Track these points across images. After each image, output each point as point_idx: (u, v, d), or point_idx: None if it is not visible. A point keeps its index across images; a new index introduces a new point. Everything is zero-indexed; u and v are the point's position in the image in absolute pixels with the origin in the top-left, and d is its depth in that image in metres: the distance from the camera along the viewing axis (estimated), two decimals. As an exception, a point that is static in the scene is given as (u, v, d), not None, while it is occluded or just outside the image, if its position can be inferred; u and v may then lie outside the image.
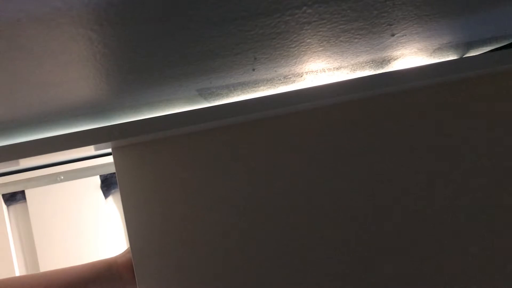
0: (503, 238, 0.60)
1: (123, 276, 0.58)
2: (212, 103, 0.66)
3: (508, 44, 0.69)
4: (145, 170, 0.53)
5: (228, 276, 0.54)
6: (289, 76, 0.58)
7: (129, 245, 0.63)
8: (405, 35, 0.49)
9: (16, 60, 0.32)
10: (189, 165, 0.54)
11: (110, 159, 1.23)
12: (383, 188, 0.58)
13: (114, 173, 0.93)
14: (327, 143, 0.57)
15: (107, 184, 1.28)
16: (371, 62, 0.61)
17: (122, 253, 0.61)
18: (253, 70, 0.50)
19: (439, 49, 0.62)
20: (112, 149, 0.53)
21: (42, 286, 0.56)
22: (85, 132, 0.47)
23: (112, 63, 0.37)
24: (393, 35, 0.48)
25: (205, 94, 0.58)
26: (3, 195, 1.22)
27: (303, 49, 0.46)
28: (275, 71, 0.53)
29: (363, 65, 0.62)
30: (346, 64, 0.59)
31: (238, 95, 0.63)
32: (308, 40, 0.43)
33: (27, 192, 1.22)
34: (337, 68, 0.60)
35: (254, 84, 0.58)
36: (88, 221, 1.24)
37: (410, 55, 0.61)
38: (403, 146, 0.59)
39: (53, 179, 1.23)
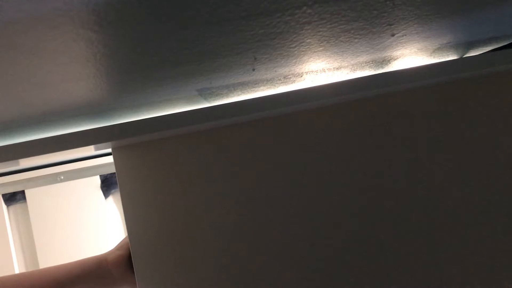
0: (504, 238, 0.60)
1: (113, 273, 0.58)
2: (212, 103, 0.66)
3: (508, 44, 0.69)
4: (145, 170, 0.53)
5: (228, 276, 0.54)
6: (289, 76, 0.58)
7: (120, 242, 0.63)
8: (405, 35, 0.49)
9: (16, 60, 0.32)
10: (189, 165, 0.54)
11: (110, 159, 1.23)
12: (384, 188, 0.58)
13: (114, 173, 0.93)
14: (327, 143, 0.57)
15: (107, 184, 1.28)
16: (371, 62, 0.61)
17: (111, 250, 0.62)
18: (253, 70, 0.50)
19: (439, 49, 0.62)
20: (112, 149, 0.53)
21: (32, 285, 0.56)
22: (85, 132, 0.47)
23: (112, 63, 0.37)
24: (393, 35, 0.48)
25: (205, 94, 0.58)
26: (3, 195, 1.22)
27: (303, 49, 0.46)
28: (275, 71, 0.53)
29: (363, 65, 0.62)
30: (346, 64, 0.59)
31: (238, 95, 0.63)
32: (308, 40, 0.43)
33: (27, 192, 1.22)
34: (337, 68, 0.60)
35: (254, 84, 0.58)
36: (88, 221, 1.24)
37: (410, 55, 0.61)
38: (403, 146, 0.59)
39: (53, 179, 1.23)
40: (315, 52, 0.48)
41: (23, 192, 1.23)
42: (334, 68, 0.59)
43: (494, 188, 0.61)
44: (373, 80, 0.53)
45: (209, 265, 0.54)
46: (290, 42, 0.42)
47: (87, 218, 1.24)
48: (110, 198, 1.30)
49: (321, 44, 0.45)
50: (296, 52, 0.46)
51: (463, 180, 0.60)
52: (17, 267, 1.20)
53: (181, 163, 0.54)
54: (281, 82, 0.61)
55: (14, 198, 1.23)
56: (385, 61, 0.63)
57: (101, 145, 0.50)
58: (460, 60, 0.57)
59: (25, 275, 0.58)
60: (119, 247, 0.61)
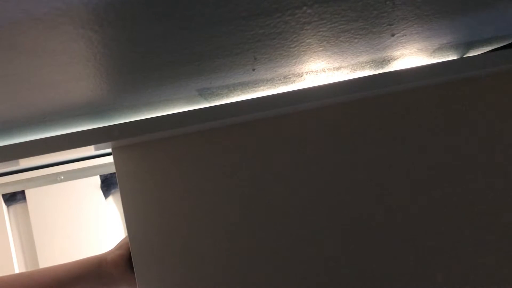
0: (505, 238, 0.60)
1: (112, 273, 0.58)
2: (212, 103, 0.66)
3: (508, 44, 0.69)
4: (145, 170, 0.53)
5: (228, 276, 0.54)
6: (289, 76, 0.58)
7: (119, 242, 0.63)
8: (405, 35, 0.49)
9: (16, 60, 0.32)
10: (189, 165, 0.54)
11: (110, 159, 1.23)
12: (384, 188, 0.58)
13: (114, 173, 0.93)
14: (327, 143, 0.57)
15: (107, 184, 1.28)
16: (371, 62, 0.61)
17: (111, 249, 0.62)
18: (253, 70, 0.50)
19: (439, 49, 0.62)
20: (112, 149, 0.53)
21: (32, 285, 0.56)
22: (85, 132, 0.47)
23: (112, 63, 0.37)
24: (393, 35, 0.48)
25: (205, 94, 0.58)
26: (3, 195, 1.22)
27: (303, 49, 0.46)
28: (275, 71, 0.53)
29: (363, 65, 0.62)
30: (346, 64, 0.59)
31: (238, 95, 0.63)
32: (308, 40, 0.43)
33: (27, 192, 1.22)
34: (337, 68, 0.60)
35: (254, 84, 0.58)
36: (88, 221, 1.24)
37: (410, 55, 0.61)
38: (403, 146, 0.59)
39: (53, 179, 1.23)
40: (315, 52, 0.48)
41: (23, 192, 1.23)
42: (334, 68, 0.59)
43: (494, 188, 0.61)
44: (373, 80, 0.53)
45: (209, 265, 0.54)
46: (290, 42, 0.42)
47: (87, 218, 1.24)
48: (110, 198, 1.30)
49: (321, 44, 0.45)
50: (296, 52, 0.46)
51: (463, 180, 0.60)
52: (17, 267, 1.20)
53: (181, 163, 0.54)
54: (281, 82, 0.61)
55: (14, 198, 1.23)
56: (385, 61, 0.63)
57: (101, 145, 0.50)
58: (460, 60, 0.57)
59: (25, 275, 0.58)
60: (118, 247, 0.61)
